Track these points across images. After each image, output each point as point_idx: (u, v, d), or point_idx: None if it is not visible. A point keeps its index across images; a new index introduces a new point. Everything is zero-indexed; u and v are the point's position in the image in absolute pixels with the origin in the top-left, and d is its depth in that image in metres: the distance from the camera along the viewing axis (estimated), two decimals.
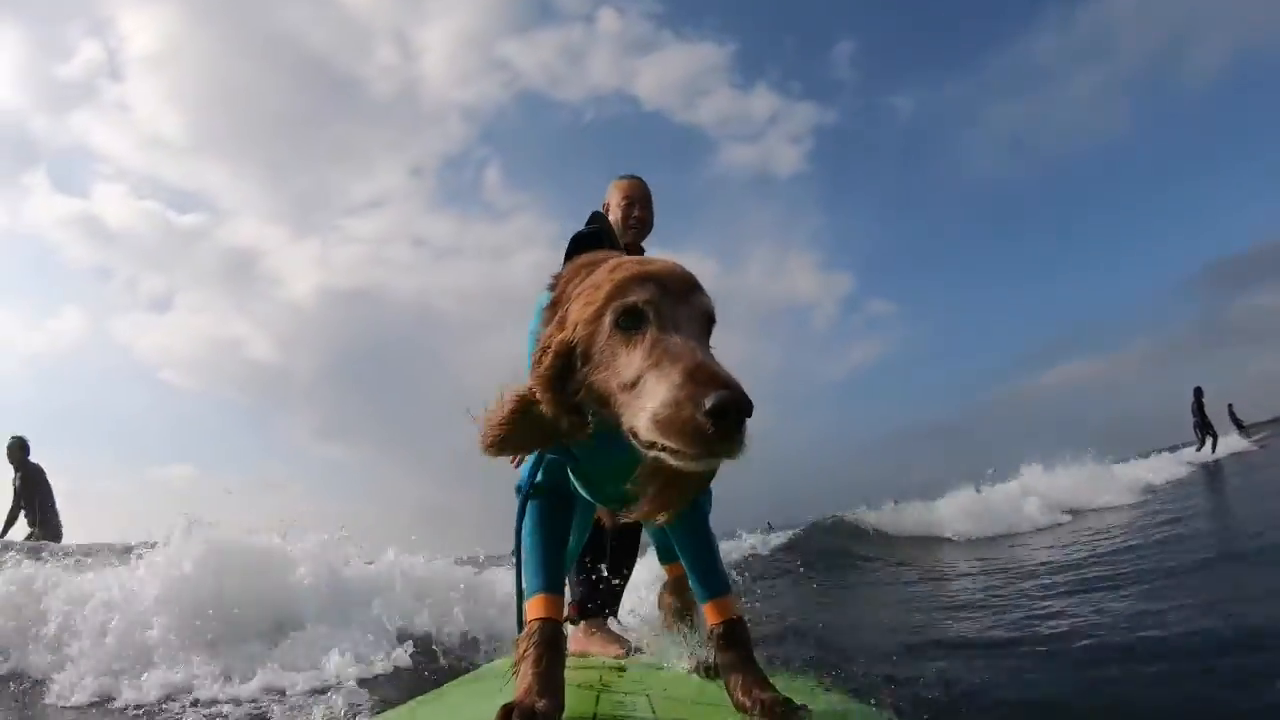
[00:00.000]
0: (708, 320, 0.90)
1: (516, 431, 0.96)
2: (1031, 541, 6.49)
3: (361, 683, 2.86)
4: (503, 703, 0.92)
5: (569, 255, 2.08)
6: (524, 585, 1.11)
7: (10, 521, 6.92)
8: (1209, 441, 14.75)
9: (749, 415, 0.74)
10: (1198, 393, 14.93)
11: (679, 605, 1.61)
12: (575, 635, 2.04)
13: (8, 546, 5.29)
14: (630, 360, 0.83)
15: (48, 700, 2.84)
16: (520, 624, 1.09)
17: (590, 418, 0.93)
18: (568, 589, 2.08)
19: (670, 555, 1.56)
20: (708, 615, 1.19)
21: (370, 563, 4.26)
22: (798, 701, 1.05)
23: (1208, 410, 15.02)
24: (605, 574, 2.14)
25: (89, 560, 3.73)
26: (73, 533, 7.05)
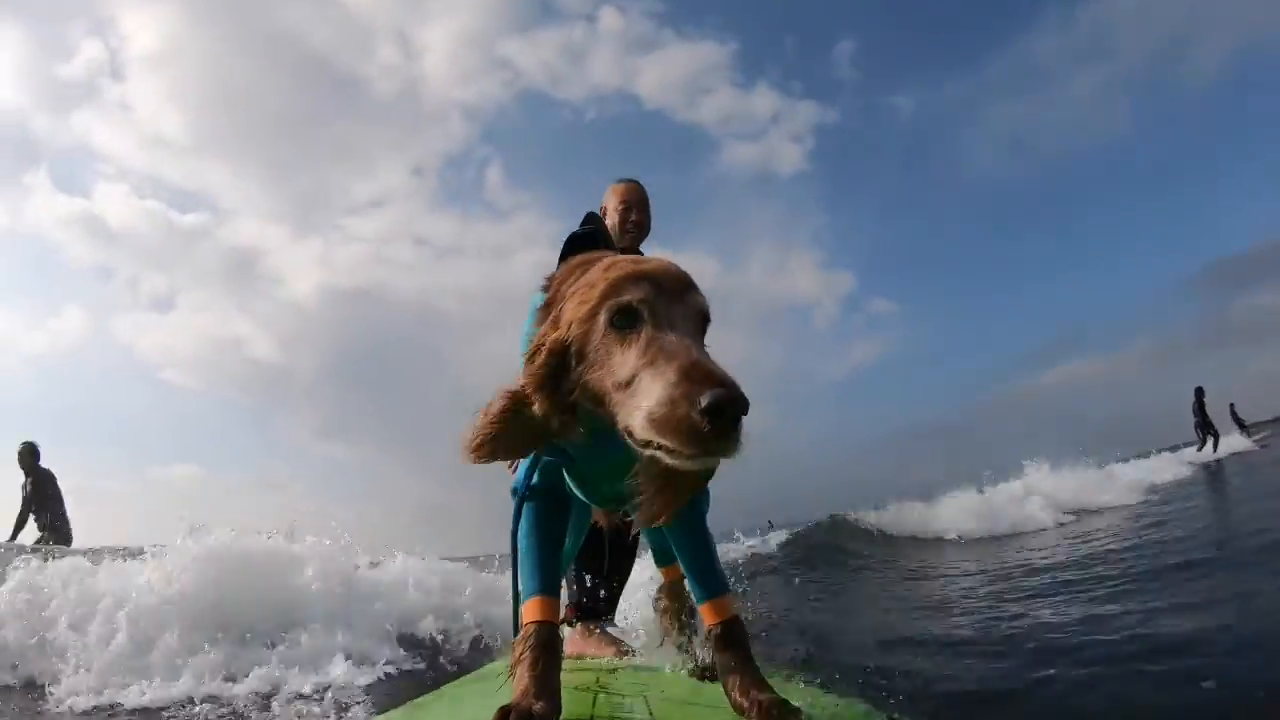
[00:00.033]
0: (703, 319, 0.90)
1: (507, 430, 0.95)
2: (1030, 542, 6.49)
3: (363, 685, 2.87)
4: (500, 705, 0.91)
5: (564, 255, 2.07)
6: (520, 588, 1.11)
7: (20, 525, 6.93)
8: (1210, 441, 14.78)
9: (745, 413, 0.73)
10: (1199, 392, 14.95)
11: (676, 608, 1.60)
12: (573, 637, 2.04)
13: (17, 550, 5.28)
14: (625, 359, 0.83)
15: (52, 706, 2.84)
16: (516, 627, 1.08)
17: (581, 417, 0.93)
18: (565, 591, 2.08)
19: (667, 558, 1.55)
20: (705, 616, 1.18)
21: (375, 563, 4.27)
22: (795, 703, 1.04)
23: (1209, 410, 15.04)
24: (603, 576, 2.13)
25: (95, 564, 3.72)
26: (77, 534, 7.09)
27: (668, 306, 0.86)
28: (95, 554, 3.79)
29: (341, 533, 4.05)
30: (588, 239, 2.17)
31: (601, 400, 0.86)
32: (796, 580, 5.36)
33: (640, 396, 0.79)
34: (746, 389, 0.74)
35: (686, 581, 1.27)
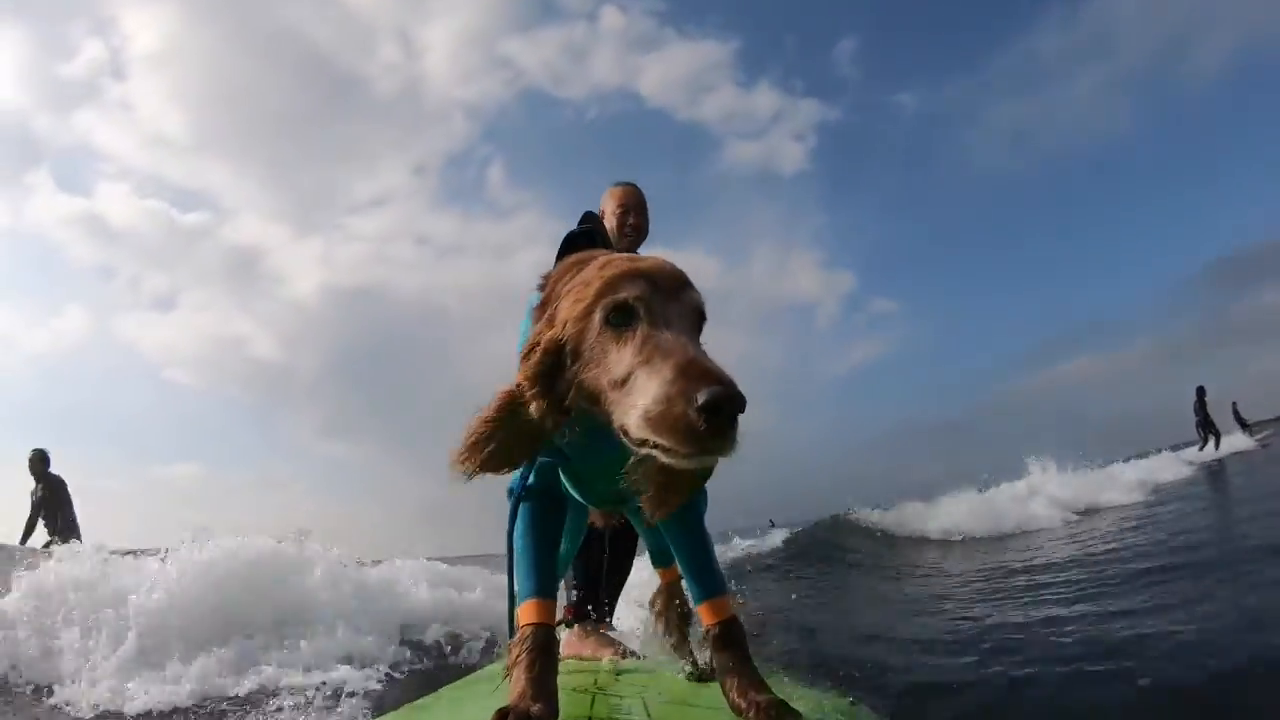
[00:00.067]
0: (698, 317, 0.89)
1: (502, 430, 0.94)
2: (1030, 543, 6.51)
3: (364, 686, 2.87)
4: (497, 708, 0.91)
5: (561, 255, 2.06)
6: (516, 589, 1.10)
7: (29, 530, 7.03)
8: (1211, 440, 14.78)
9: (742, 411, 0.73)
10: (1200, 392, 14.94)
11: (673, 609, 1.59)
12: (570, 638, 2.03)
13: (27, 555, 5.31)
14: (621, 357, 0.82)
15: (57, 706, 2.84)
16: (512, 629, 1.07)
17: (577, 416, 0.92)
18: (561, 592, 2.07)
19: (664, 559, 1.54)
20: (703, 616, 1.17)
21: (377, 562, 4.27)
22: (793, 704, 1.04)
23: (1210, 409, 15.03)
24: (600, 576, 2.12)
25: (103, 565, 3.72)
26: (83, 534, 7.11)
27: (663, 304, 0.85)
28: (100, 552, 3.79)
29: (344, 534, 4.06)
30: (585, 238, 2.16)
31: (597, 399, 0.86)
32: (786, 578, 5.42)
33: (636, 394, 0.78)
34: (745, 387, 0.73)
35: (684, 581, 1.26)
